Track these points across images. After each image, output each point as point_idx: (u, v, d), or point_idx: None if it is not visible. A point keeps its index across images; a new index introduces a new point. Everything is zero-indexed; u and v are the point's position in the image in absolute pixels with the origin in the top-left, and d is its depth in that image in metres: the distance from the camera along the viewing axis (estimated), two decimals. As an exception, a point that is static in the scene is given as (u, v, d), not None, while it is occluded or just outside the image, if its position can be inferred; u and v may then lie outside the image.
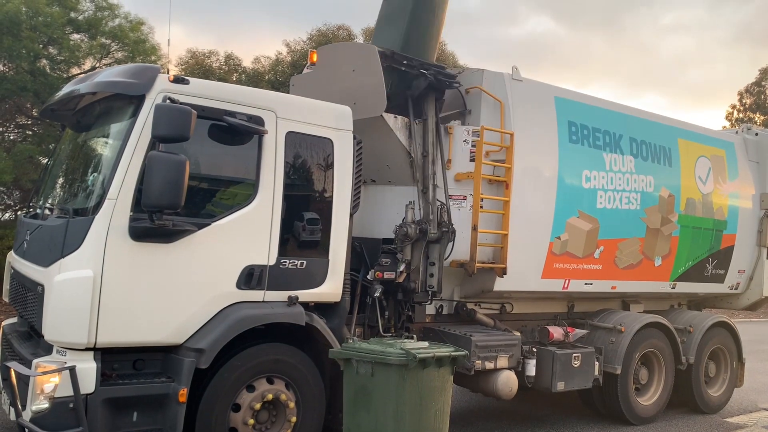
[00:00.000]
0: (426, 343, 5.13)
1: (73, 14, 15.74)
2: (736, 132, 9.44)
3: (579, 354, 6.96)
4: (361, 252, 6.24)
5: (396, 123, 6.25)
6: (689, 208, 8.16)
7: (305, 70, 7.20)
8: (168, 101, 4.54)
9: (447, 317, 6.86)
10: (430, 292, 6.29)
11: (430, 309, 6.69)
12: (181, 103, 4.54)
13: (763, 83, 41.23)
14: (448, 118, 6.81)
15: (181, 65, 22.10)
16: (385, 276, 6.07)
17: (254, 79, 21.44)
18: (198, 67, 21.80)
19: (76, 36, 16.24)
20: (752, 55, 62.30)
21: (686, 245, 8.17)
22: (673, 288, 8.26)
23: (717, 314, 8.82)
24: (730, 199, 8.69)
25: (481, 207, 6.43)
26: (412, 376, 4.55)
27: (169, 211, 4.42)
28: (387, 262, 6.11)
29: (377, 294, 6.04)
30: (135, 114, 4.66)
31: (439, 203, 6.33)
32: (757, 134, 9.28)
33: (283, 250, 5.13)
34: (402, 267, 6.13)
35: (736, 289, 9.05)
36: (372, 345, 4.90)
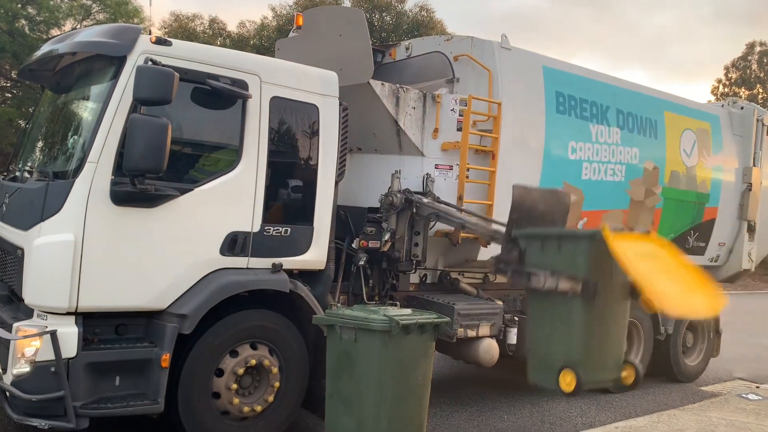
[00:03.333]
0: (409, 311, 5.15)
1: (52, -27, 15.31)
2: (722, 105, 9.46)
3: (561, 323, 7.02)
4: (347, 220, 6.21)
5: (383, 90, 6.17)
6: (673, 181, 8.21)
7: (291, 34, 7.07)
8: (150, 63, 4.44)
9: (431, 286, 6.89)
10: (414, 261, 6.30)
11: (414, 278, 6.71)
12: (163, 65, 4.44)
13: (749, 58, 41.37)
14: (435, 86, 6.75)
15: (165, 28, 21.70)
16: (370, 245, 6.06)
17: (239, 43, 21.12)
18: (182, 30, 21.43)
19: (52, -3, 15.82)
20: (732, 32, 62.53)
21: (669, 218, 8.24)
22: (655, 260, 8.35)
23: (696, 286, 8.96)
24: (713, 173, 8.75)
25: (467, 177, 6.42)
26: (395, 342, 4.55)
27: (151, 176, 4.35)
28: (372, 231, 6.10)
29: (362, 262, 6.04)
30: (116, 75, 4.55)
31: (425, 174, 6.31)
32: (742, 108, 9.31)
33: (268, 217, 5.09)
34: (387, 236, 6.12)
35: (716, 261, 9.17)
36: (355, 312, 4.90)
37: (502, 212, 6.54)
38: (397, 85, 6.32)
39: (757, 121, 9.16)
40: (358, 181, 6.62)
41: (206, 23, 22.54)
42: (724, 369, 9.60)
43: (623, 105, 7.62)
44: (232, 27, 22.54)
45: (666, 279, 4.45)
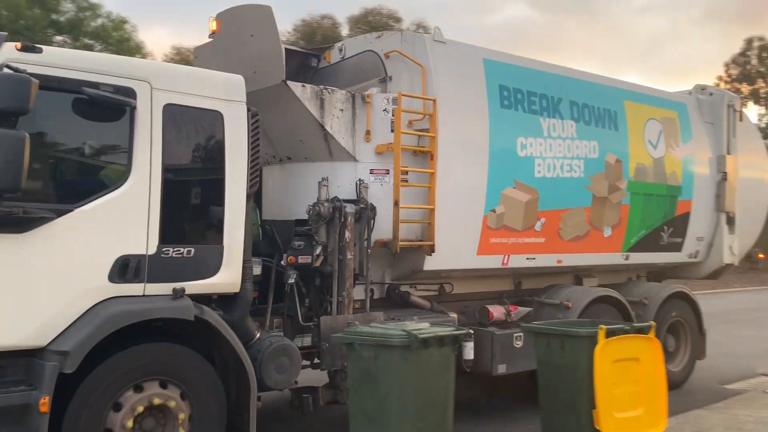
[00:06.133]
0: (427, 324, 5.12)
1: (54, 16, 15.87)
2: (689, 92, 8.94)
3: (521, 334, 6.48)
4: (273, 236, 5.71)
5: (304, 92, 5.70)
6: (639, 174, 7.70)
7: (207, 40, 6.61)
8: (7, 70, 3.96)
9: (379, 301, 6.37)
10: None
11: (359, 293, 6.16)
12: (27, 72, 3.96)
13: (748, 53, 40.88)
14: (369, 87, 6.28)
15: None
16: (300, 260, 5.56)
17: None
18: (185, 63, 21.49)
19: (58, 38, 16.22)
20: (724, 31, 62.64)
21: (638, 213, 7.72)
22: (627, 259, 7.81)
23: (675, 285, 8.38)
24: (684, 163, 8.24)
25: (405, 181, 5.95)
26: (415, 356, 4.55)
27: (9, 195, 3.86)
28: (300, 245, 5.58)
29: (291, 280, 5.53)
30: None
31: (357, 180, 5.84)
32: (711, 94, 8.83)
33: (166, 237, 4.56)
34: (318, 250, 5.62)
35: (695, 257, 8.61)
36: (374, 328, 4.96)
37: (447, 216, 6.08)
38: (321, 86, 5.85)
39: (728, 106, 8.67)
40: (288, 193, 6.17)
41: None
42: (746, 366, 9.26)
43: (577, 96, 7.14)
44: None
45: (630, 390, 5.17)
